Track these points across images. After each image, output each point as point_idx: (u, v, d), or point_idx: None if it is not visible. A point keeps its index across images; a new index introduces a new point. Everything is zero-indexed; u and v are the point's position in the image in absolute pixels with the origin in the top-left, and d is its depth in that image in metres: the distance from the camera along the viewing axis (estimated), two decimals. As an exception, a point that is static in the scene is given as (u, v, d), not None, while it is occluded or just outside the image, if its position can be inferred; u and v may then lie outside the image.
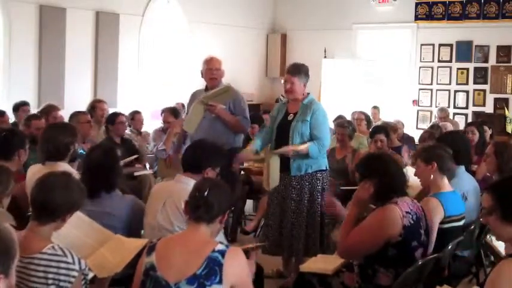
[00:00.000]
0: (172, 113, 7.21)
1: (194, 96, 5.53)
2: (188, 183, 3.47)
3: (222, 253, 2.54)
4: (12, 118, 7.06)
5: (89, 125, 6.03)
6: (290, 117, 4.86)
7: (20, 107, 6.97)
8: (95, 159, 3.59)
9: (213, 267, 2.51)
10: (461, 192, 4.16)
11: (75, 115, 6.08)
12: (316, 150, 4.74)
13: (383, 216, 3.23)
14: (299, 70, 4.86)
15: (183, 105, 8.57)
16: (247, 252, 2.79)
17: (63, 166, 3.87)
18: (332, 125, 7.99)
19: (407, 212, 3.23)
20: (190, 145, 4.08)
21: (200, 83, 5.77)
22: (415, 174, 4.02)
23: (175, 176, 3.71)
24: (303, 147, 4.70)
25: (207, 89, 5.43)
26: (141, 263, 2.66)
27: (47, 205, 2.59)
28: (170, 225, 3.44)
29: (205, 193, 2.67)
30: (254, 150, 5.02)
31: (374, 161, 3.48)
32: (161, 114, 7.48)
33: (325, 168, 4.93)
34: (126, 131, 7.18)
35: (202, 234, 2.65)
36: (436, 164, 3.85)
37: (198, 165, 3.60)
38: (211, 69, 5.39)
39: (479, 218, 4.15)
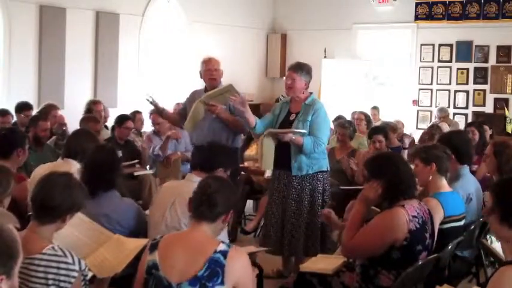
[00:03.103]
0: (160, 114, 7.23)
1: (193, 95, 5.52)
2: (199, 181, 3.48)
3: (224, 254, 2.52)
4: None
5: (97, 134, 6.03)
6: (292, 117, 4.85)
7: (23, 110, 6.97)
8: (98, 158, 3.60)
9: (215, 268, 2.48)
10: (466, 193, 4.16)
11: (86, 121, 6.11)
12: (311, 145, 4.68)
13: (390, 219, 3.21)
14: (301, 68, 4.86)
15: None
16: (251, 256, 2.77)
17: (76, 166, 3.94)
18: (332, 125, 8.02)
19: (414, 216, 3.22)
20: (205, 145, 4.15)
21: (200, 83, 5.77)
22: None
23: (187, 175, 3.74)
24: (299, 131, 4.67)
25: (206, 90, 5.43)
26: (143, 261, 2.64)
27: (47, 204, 2.59)
28: (178, 223, 3.45)
29: (209, 190, 2.64)
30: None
31: (384, 161, 3.43)
32: (150, 117, 7.49)
33: (326, 169, 4.92)
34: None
35: (204, 233, 2.62)
36: (435, 165, 3.85)
37: (211, 165, 3.66)
38: (210, 70, 5.38)
39: (480, 218, 4.16)
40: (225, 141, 5.17)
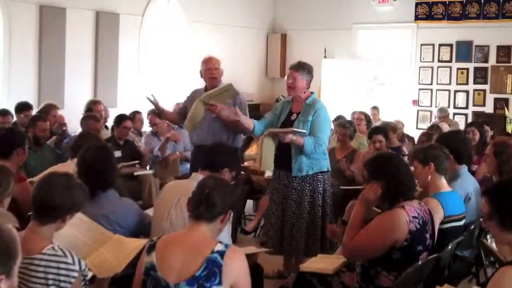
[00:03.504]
0: (157, 115, 7.26)
1: (194, 95, 5.52)
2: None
3: (221, 254, 2.52)
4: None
5: (98, 133, 6.05)
6: (293, 117, 4.84)
7: (23, 110, 6.96)
8: (88, 158, 3.55)
9: (213, 268, 2.49)
10: (465, 193, 4.15)
11: (86, 120, 6.13)
12: (311, 146, 4.66)
13: (390, 220, 3.22)
14: (302, 67, 4.85)
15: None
16: (252, 257, 2.78)
17: None
18: (332, 125, 8.01)
19: (414, 217, 3.22)
20: (211, 145, 4.14)
21: (200, 83, 5.77)
22: None
23: (192, 174, 3.76)
24: (299, 131, 4.66)
25: (206, 89, 5.43)
26: (141, 262, 2.65)
27: (47, 204, 2.59)
28: (183, 222, 3.43)
29: (208, 190, 2.65)
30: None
31: (384, 162, 3.42)
32: (147, 117, 7.51)
33: (326, 170, 4.90)
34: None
35: (202, 233, 2.62)
36: (433, 165, 3.85)
37: (216, 164, 3.66)
38: (210, 69, 5.38)
39: (480, 218, 4.16)
40: (225, 141, 5.16)
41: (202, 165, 3.79)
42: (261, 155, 4.74)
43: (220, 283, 2.48)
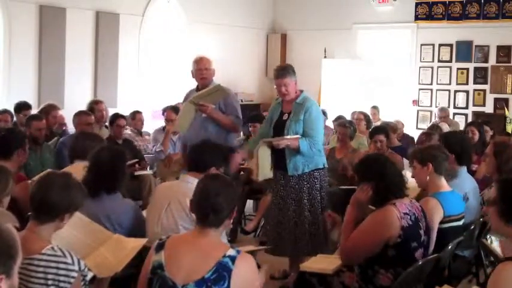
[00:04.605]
0: (174, 110, 7.26)
1: (187, 96, 5.53)
2: (193, 182, 3.48)
3: (233, 259, 2.52)
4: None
5: (90, 127, 6.04)
6: (285, 117, 4.86)
7: (22, 109, 6.96)
8: (102, 158, 3.57)
9: (222, 272, 2.49)
10: (462, 193, 4.16)
11: (78, 115, 6.12)
12: (307, 146, 4.69)
13: (382, 217, 3.26)
14: (287, 71, 4.84)
15: (183, 105, 8.59)
16: (252, 254, 2.77)
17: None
18: (332, 125, 8.01)
19: (405, 213, 3.25)
20: (194, 145, 4.08)
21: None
22: (412, 176, 4.03)
23: (180, 176, 3.73)
24: (292, 137, 4.67)
25: (198, 89, 5.43)
26: (148, 260, 2.63)
27: (45, 203, 2.59)
28: (175, 225, 3.43)
29: (213, 197, 2.63)
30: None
31: (372, 163, 3.49)
32: (163, 114, 7.51)
33: (322, 166, 4.91)
34: (127, 131, 7.20)
35: (212, 236, 2.62)
36: (431, 165, 3.86)
37: (202, 165, 3.64)
38: (200, 70, 5.38)
39: (480, 218, 4.16)
40: (218, 140, 5.13)
41: (188, 167, 3.75)
42: (257, 166, 4.73)
43: (228, 287, 2.48)
